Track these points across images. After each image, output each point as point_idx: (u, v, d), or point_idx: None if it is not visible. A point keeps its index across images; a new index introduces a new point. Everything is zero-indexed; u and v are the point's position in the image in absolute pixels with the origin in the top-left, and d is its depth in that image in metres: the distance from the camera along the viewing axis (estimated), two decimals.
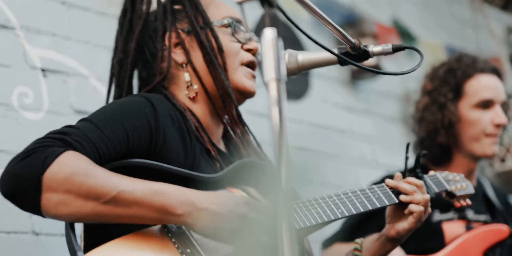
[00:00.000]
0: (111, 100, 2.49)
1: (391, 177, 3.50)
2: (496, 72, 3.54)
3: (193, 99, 2.37)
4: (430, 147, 3.48)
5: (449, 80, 3.49)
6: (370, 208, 2.38)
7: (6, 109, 2.78)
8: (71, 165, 1.92)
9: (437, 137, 3.47)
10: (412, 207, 2.41)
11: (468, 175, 3.40)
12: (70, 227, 2.03)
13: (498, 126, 3.44)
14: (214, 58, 2.35)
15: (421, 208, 2.40)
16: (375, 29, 4.71)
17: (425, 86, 3.59)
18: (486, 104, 3.45)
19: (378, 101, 4.86)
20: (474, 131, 3.45)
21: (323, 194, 2.33)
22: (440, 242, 3.31)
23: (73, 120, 2.93)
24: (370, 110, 4.80)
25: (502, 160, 5.14)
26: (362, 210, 2.36)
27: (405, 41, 5.04)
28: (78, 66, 3.08)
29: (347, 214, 2.32)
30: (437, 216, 3.32)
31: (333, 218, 2.28)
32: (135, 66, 2.45)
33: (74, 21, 3.12)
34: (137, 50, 2.43)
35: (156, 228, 2.03)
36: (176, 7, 2.46)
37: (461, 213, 3.37)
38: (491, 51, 5.87)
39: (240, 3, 1.61)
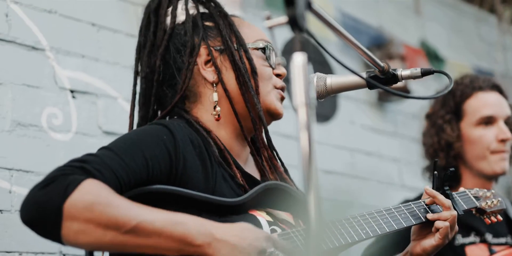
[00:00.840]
0: (135, 118, 2.45)
1: (409, 201, 3.50)
2: (497, 88, 3.50)
3: (217, 121, 2.36)
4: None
5: (448, 102, 3.47)
6: (396, 228, 2.36)
7: (35, 130, 2.80)
8: (92, 194, 1.90)
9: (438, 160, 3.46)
10: (438, 223, 2.39)
11: None
12: (89, 255, 2.03)
13: (503, 141, 3.41)
14: (248, 80, 2.32)
15: (447, 224, 2.39)
16: (403, 50, 4.71)
17: (426, 110, 3.60)
18: (487, 121, 3.42)
19: (405, 123, 4.85)
20: (478, 150, 3.42)
21: (347, 215, 2.31)
22: None
23: (101, 141, 2.97)
24: (397, 131, 4.79)
25: None
26: (388, 231, 2.34)
27: (433, 63, 5.04)
28: (106, 87, 3.10)
29: (372, 235, 2.30)
30: (460, 239, 3.29)
31: (357, 239, 2.26)
32: (161, 84, 2.40)
33: (103, 42, 3.15)
34: (163, 67, 2.38)
35: None
36: (207, 23, 2.40)
37: (482, 237, 3.35)
38: None
39: (270, 28, 1.61)
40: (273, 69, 2.40)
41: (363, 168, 4.45)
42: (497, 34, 5.90)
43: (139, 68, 2.43)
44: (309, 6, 1.63)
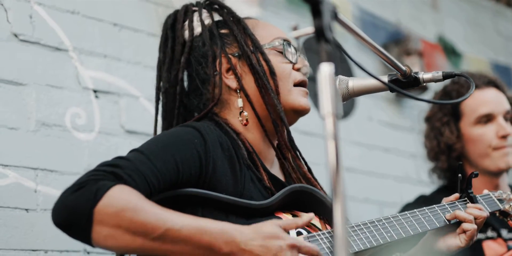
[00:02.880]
0: (159, 130, 2.50)
1: (424, 197, 3.52)
2: (493, 83, 3.50)
3: (245, 126, 2.39)
4: (442, 174, 3.50)
5: (445, 104, 3.48)
6: (420, 231, 2.39)
7: (59, 130, 2.83)
8: (122, 200, 1.94)
9: (439, 163, 3.48)
10: (466, 226, 2.42)
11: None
12: None
13: (503, 137, 3.42)
14: (267, 82, 2.35)
15: (474, 226, 2.42)
16: (421, 46, 4.72)
17: (425, 113, 3.61)
18: (486, 119, 3.44)
19: (421, 119, 4.85)
20: (480, 148, 3.44)
21: (372, 218, 2.34)
22: None
23: (124, 140, 3.01)
24: (414, 127, 4.80)
25: None
26: (412, 233, 2.37)
27: (450, 58, 5.04)
28: (128, 86, 3.13)
29: (396, 238, 2.32)
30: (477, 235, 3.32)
31: (382, 242, 2.28)
32: (183, 96, 2.45)
33: (125, 42, 3.18)
34: (188, 79, 2.44)
35: None
36: (223, 31, 2.44)
37: (497, 232, 3.37)
38: None
39: (297, 38, 1.63)
40: (294, 64, 2.42)
41: (381, 164, 4.48)
42: None
43: (160, 84, 2.48)
44: (335, 16, 1.65)
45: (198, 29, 2.45)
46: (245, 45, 2.39)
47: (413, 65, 4.54)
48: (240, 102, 2.39)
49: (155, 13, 3.33)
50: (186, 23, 2.47)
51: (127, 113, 3.10)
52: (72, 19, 2.99)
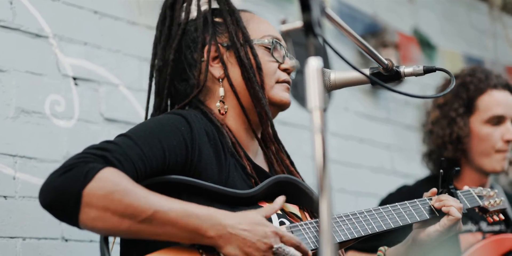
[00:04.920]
0: (150, 108, 2.53)
1: (406, 187, 3.57)
2: (509, 87, 3.56)
3: (222, 115, 2.40)
4: (438, 160, 3.53)
5: (461, 95, 3.52)
6: (401, 224, 2.43)
7: (38, 117, 2.83)
8: (111, 182, 1.96)
9: (444, 151, 3.51)
10: (452, 210, 2.46)
11: None
12: (104, 240, 2.08)
13: (508, 142, 3.48)
14: (253, 75, 2.38)
15: (459, 215, 2.46)
16: (397, 38, 4.75)
17: (437, 99, 3.62)
18: (497, 120, 3.49)
19: (397, 110, 4.90)
20: (484, 147, 3.48)
21: (354, 210, 2.37)
22: (457, 252, 3.35)
23: (103, 128, 3.01)
24: (390, 118, 4.85)
25: None
26: (393, 226, 2.40)
27: (425, 50, 5.08)
28: (108, 74, 3.13)
29: (377, 230, 2.36)
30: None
31: (363, 234, 2.32)
32: (173, 77, 2.47)
33: (105, 30, 3.17)
34: (175, 60, 2.46)
35: (188, 245, 2.08)
36: (217, 19, 2.47)
37: (477, 225, 3.42)
38: (508, 60, 5.90)
39: (285, 32, 1.65)
40: (280, 63, 2.45)
41: (356, 155, 4.51)
42: (488, 21, 5.94)
43: (155, 61, 2.49)
44: (323, 10, 1.67)
45: (194, 13, 2.48)
46: (235, 37, 2.41)
47: (389, 57, 4.54)
48: (221, 91, 2.41)
49: (135, 2, 3.33)
50: (185, 5, 2.49)
51: (107, 101, 3.10)
52: (53, 6, 2.98)
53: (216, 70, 2.43)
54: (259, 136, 2.45)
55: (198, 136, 2.23)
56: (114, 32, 3.21)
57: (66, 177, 1.96)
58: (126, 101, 3.16)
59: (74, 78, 3.00)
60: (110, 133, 3.04)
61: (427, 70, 2.31)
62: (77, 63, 3.02)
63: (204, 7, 2.48)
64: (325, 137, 1.54)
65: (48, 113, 2.87)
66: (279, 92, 2.43)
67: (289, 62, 2.47)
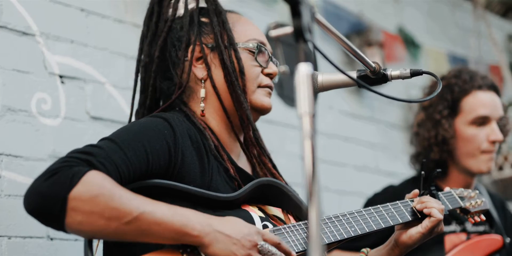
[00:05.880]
0: (135, 105, 2.53)
1: (392, 188, 3.59)
2: (494, 88, 3.57)
3: (202, 116, 2.41)
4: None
5: (446, 96, 3.53)
6: (383, 226, 2.45)
7: (25, 115, 2.82)
8: (96, 186, 1.96)
9: (430, 153, 3.52)
10: (434, 212, 2.47)
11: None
12: (88, 244, 2.08)
13: (493, 142, 3.49)
14: (235, 79, 2.38)
15: (441, 216, 2.47)
16: (382, 37, 4.76)
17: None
18: (482, 121, 3.50)
19: (382, 108, 4.92)
20: (470, 148, 3.50)
21: (337, 213, 2.39)
22: (440, 253, 3.37)
23: (89, 126, 3.01)
24: (374, 117, 4.86)
25: (500, 168, 5.21)
26: (375, 228, 2.42)
27: (410, 49, 5.10)
28: (94, 72, 3.13)
29: (360, 232, 2.38)
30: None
31: (346, 236, 2.34)
32: (158, 74, 2.47)
33: (92, 28, 3.16)
34: (160, 58, 2.46)
35: (173, 248, 2.08)
36: (203, 19, 2.47)
37: (461, 226, 3.44)
38: (492, 59, 5.94)
39: (276, 38, 1.65)
40: (264, 68, 2.45)
41: (340, 153, 4.53)
42: (472, 20, 5.96)
43: (141, 57, 2.49)
44: (313, 16, 1.68)
45: (181, 11, 2.47)
46: (220, 39, 2.41)
47: (374, 56, 4.59)
48: (202, 92, 2.41)
49: (122, 0, 3.32)
50: (172, 1, 2.49)
51: (93, 99, 3.10)
52: (40, 3, 2.97)
53: (199, 70, 2.44)
54: (241, 138, 2.46)
55: (181, 139, 2.23)
56: (101, 30, 3.20)
57: (51, 182, 1.96)
58: (112, 99, 3.16)
59: (61, 76, 3.00)
60: (96, 131, 3.04)
61: (414, 73, 2.33)
62: (64, 61, 3.02)
63: (191, 5, 2.48)
64: (315, 143, 1.55)
65: (34, 112, 2.86)
66: (260, 97, 2.44)
67: (273, 67, 2.47)
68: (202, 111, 2.40)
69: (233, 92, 2.38)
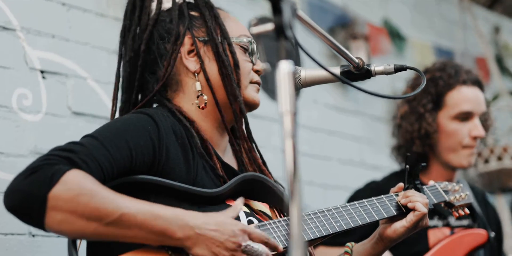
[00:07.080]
0: (118, 103, 2.48)
1: (374, 183, 3.58)
2: (478, 83, 3.57)
3: (202, 109, 2.39)
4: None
5: (430, 90, 3.53)
6: (368, 220, 2.44)
7: (5, 111, 2.79)
8: (77, 185, 1.94)
9: (412, 146, 3.52)
10: (418, 206, 2.46)
11: None
12: (71, 241, 2.06)
13: (475, 138, 3.50)
14: (231, 72, 2.36)
15: (425, 210, 2.46)
16: (367, 30, 4.75)
17: (406, 93, 3.62)
18: (465, 116, 3.51)
19: (367, 102, 4.91)
20: (451, 142, 3.51)
21: (322, 208, 2.37)
22: (424, 247, 3.38)
23: (70, 122, 2.98)
24: (359, 110, 4.85)
25: (486, 161, 5.21)
26: (361, 223, 2.41)
27: (395, 42, 5.09)
28: (76, 67, 3.09)
29: (345, 227, 2.37)
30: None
31: (331, 231, 2.33)
32: (144, 69, 2.43)
33: (73, 22, 3.13)
34: (146, 52, 2.42)
35: (157, 246, 2.07)
36: (193, 13, 2.44)
37: (444, 220, 3.44)
38: (478, 51, 5.93)
39: (257, 35, 1.63)
40: (253, 64, 2.44)
41: (325, 147, 4.52)
42: (457, 12, 5.96)
43: (123, 51, 2.45)
44: (294, 12, 1.66)
45: (167, 5, 2.44)
46: (214, 32, 2.39)
47: (359, 48, 4.57)
48: (198, 85, 2.39)
49: None
50: None
51: (74, 95, 3.07)
52: None
53: (191, 63, 2.40)
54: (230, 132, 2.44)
55: (165, 135, 2.21)
56: (82, 24, 3.17)
57: (31, 180, 1.94)
58: (94, 94, 3.13)
59: (42, 72, 2.97)
60: (78, 127, 3.01)
61: (398, 69, 2.32)
62: (45, 56, 2.99)
63: None
64: (296, 142, 1.53)
65: (15, 107, 2.83)
66: (252, 92, 2.44)
67: (261, 64, 2.47)
68: (202, 103, 2.37)
69: (228, 85, 2.37)
